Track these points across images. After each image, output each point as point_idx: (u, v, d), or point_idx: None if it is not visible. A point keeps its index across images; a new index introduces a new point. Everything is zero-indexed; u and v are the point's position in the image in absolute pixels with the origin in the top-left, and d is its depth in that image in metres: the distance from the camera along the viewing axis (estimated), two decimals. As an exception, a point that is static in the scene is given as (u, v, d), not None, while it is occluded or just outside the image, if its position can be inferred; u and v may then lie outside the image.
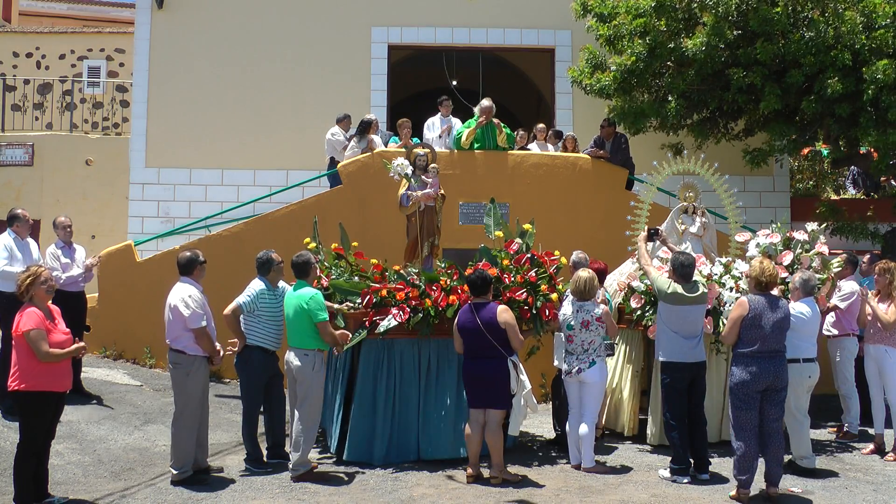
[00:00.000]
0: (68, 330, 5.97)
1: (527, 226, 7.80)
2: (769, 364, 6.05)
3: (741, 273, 7.79)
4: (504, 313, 6.49)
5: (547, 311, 7.27)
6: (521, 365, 6.52)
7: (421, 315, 7.02)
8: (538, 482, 6.49)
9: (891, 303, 7.45)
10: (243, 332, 6.92)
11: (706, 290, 6.96)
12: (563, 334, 6.94)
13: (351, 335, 7.03)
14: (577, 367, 6.78)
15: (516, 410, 6.47)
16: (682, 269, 6.77)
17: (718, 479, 6.62)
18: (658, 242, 8.13)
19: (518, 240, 7.65)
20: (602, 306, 6.90)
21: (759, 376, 6.04)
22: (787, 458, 6.92)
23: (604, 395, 7.16)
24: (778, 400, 6.13)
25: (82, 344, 5.95)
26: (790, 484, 6.44)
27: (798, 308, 6.70)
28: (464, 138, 10.58)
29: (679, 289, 6.71)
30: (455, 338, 6.67)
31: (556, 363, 7.42)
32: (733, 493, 6.15)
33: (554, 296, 7.32)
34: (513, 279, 7.25)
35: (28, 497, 5.66)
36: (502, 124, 10.71)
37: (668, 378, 6.75)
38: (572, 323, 6.82)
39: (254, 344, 6.90)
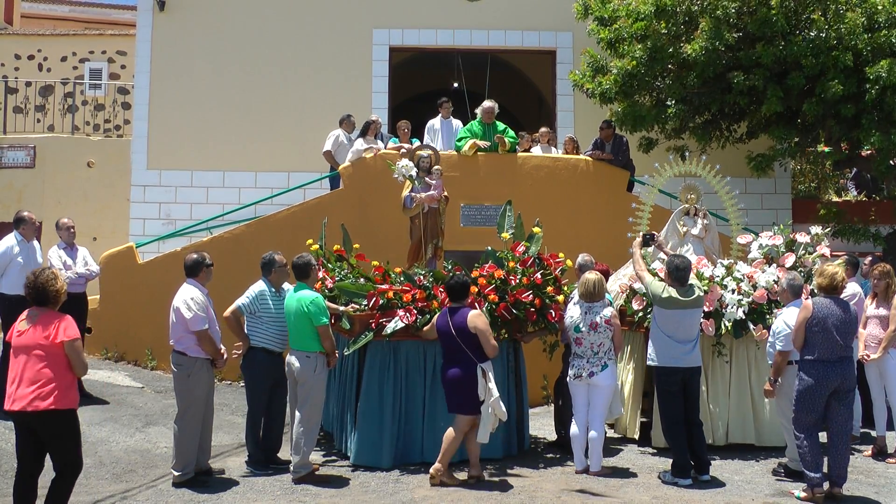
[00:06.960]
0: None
1: (536, 229, 7.78)
2: (835, 368, 6.06)
3: (742, 275, 7.79)
4: (475, 319, 6.42)
5: (552, 313, 7.26)
6: (490, 373, 6.44)
7: (427, 317, 6.99)
8: (540, 484, 6.48)
9: (890, 306, 7.44)
10: (247, 333, 6.93)
11: (702, 294, 6.83)
12: (570, 337, 6.92)
13: (348, 349, 7.10)
14: (588, 371, 6.75)
15: (484, 418, 6.36)
16: (676, 273, 6.68)
17: (719, 482, 6.61)
18: (654, 248, 8.10)
19: (525, 243, 7.64)
20: (610, 309, 6.87)
21: (825, 381, 6.05)
22: (783, 460, 6.92)
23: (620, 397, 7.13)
24: (848, 401, 6.17)
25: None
26: (790, 487, 6.44)
27: (787, 319, 6.50)
28: (465, 148, 10.44)
29: (674, 293, 6.62)
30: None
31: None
32: (803, 494, 6.12)
33: (560, 297, 7.31)
34: (518, 281, 7.25)
35: None
36: (508, 133, 10.59)
37: (660, 381, 6.73)
38: (580, 325, 6.80)
39: (258, 345, 6.90)
